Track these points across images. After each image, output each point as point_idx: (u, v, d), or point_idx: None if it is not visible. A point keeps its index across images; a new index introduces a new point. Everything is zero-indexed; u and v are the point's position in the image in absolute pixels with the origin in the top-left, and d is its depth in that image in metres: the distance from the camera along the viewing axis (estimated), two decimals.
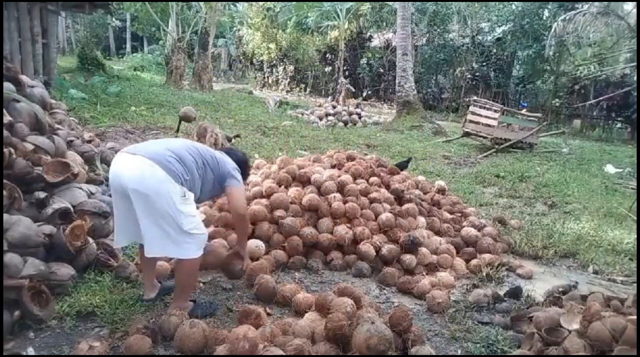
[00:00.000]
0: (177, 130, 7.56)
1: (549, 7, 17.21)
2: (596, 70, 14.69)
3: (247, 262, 3.18)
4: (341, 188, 4.03)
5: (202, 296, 3.03)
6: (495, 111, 10.37)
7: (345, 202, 3.88)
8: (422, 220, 4.17)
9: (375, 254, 3.60)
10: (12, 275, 2.52)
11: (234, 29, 25.92)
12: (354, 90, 18.05)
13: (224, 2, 19.07)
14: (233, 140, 7.31)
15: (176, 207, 2.48)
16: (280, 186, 4.09)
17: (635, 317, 2.13)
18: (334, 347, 2.29)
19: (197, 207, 2.93)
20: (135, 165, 2.48)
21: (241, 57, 27.56)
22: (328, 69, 22.32)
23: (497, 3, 19.38)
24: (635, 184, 7.29)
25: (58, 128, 4.02)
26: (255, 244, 3.41)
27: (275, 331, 2.40)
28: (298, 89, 23.61)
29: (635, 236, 4.62)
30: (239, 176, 2.92)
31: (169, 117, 9.54)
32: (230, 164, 2.92)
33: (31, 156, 3.30)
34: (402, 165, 4.90)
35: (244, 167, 3.11)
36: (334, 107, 14.26)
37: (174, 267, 3.10)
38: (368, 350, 2.14)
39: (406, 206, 4.14)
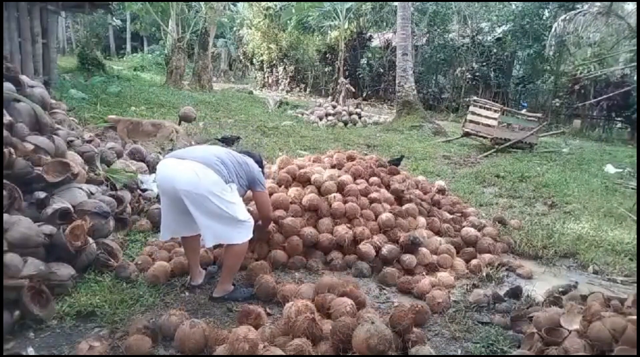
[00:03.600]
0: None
1: (549, 7, 17.19)
2: (596, 70, 14.67)
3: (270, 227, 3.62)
4: (341, 188, 4.03)
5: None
6: (495, 111, 10.35)
7: (345, 202, 3.88)
8: (422, 220, 4.17)
9: (375, 254, 3.60)
10: (12, 275, 2.53)
11: (234, 29, 25.91)
12: (354, 90, 18.02)
13: (223, 2, 19.07)
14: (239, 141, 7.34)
15: (229, 201, 2.80)
16: (280, 186, 4.09)
17: (635, 317, 2.13)
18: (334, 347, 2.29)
19: None
20: (187, 168, 2.74)
21: (241, 57, 27.55)
22: (328, 69, 22.28)
23: (497, 3, 19.36)
24: (635, 184, 7.29)
25: (58, 128, 4.02)
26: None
27: (275, 331, 2.40)
28: (298, 89, 23.59)
29: (635, 236, 4.62)
30: (264, 181, 3.22)
31: (169, 117, 9.53)
32: (256, 169, 3.19)
33: (31, 156, 3.30)
34: (394, 163, 4.86)
35: (261, 168, 3.37)
36: (334, 107, 14.23)
37: (218, 253, 3.49)
38: (368, 350, 2.14)
39: (406, 206, 4.14)
